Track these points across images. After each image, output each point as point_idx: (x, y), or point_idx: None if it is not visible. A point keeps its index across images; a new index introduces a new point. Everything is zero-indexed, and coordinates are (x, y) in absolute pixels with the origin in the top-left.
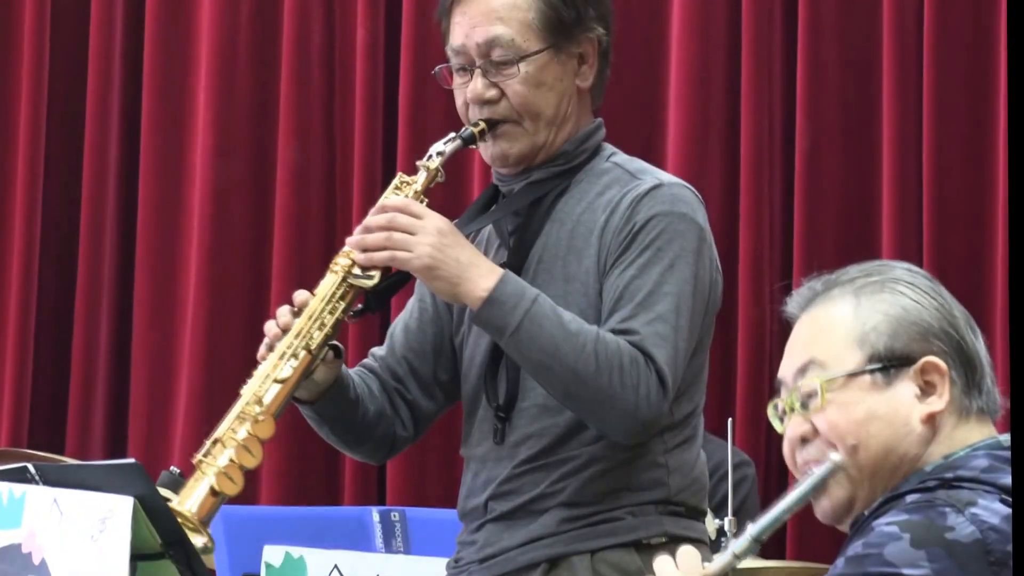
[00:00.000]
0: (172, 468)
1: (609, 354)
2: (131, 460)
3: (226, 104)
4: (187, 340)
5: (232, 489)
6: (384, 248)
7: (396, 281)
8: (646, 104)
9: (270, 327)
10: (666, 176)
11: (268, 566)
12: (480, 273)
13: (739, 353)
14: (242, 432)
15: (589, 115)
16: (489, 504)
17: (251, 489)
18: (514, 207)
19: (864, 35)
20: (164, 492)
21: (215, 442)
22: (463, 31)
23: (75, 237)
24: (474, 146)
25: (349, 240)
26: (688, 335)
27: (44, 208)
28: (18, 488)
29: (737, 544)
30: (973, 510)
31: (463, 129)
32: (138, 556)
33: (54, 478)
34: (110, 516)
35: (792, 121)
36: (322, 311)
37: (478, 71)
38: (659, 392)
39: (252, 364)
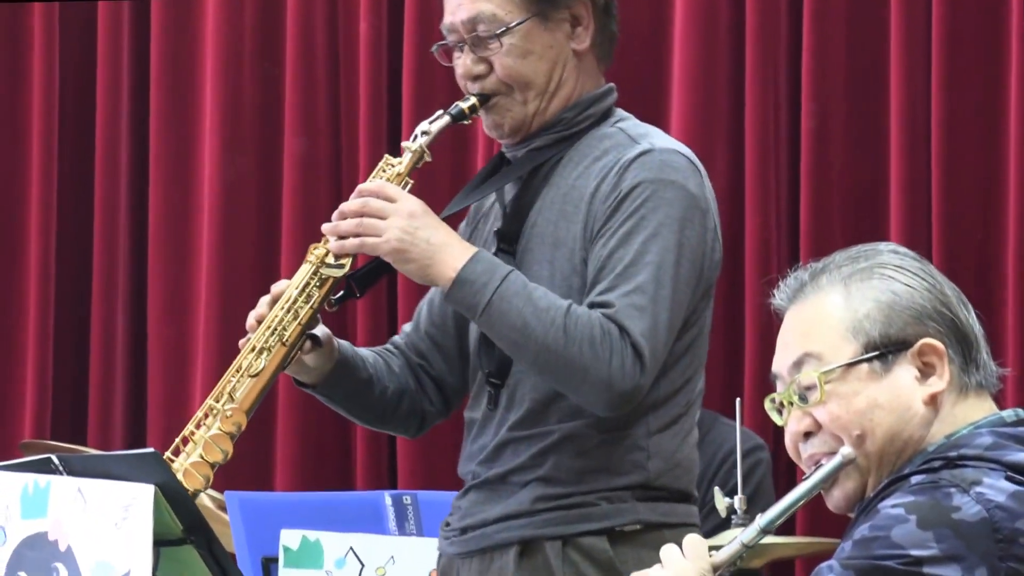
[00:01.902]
0: None
1: (580, 327)
2: (151, 450)
3: (233, 101)
4: (201, 332)
5: (201, 485)
6: (355, 235)
7: (376, 266)
8: (650, 88)
9: (250, 318)
10: (662, 141)
11: (286, 549)
12: (451, 254)
13: (747, 337)
14: (213, 429)
15: (595, 78)
16: (476, 469)
17: (267, 476)
18: (515, 175)
19: (871, 15)
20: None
21: (184, 440)
22: (451, 9)
23: (89, 234)
24: (465, 122)
25: (324, 227)
26: (672, 305)
27: (59, 207)
28: (43, 479)
29: (745, 534)
30: (978, 489)
31: (452, 106)
32: (160, 542)
33: (77, 468)
34: (132, 504)
35: (797, 103)
36: (295, 301)
37: (466, 47)
38: (634, 364)
39: None
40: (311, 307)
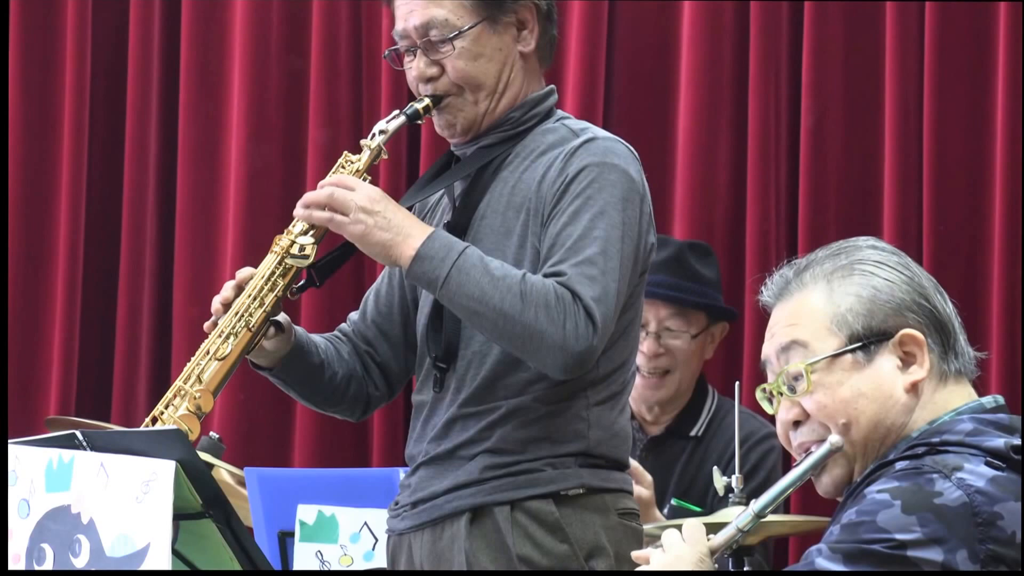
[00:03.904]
0: (211, 433)
1: (535, 293)
2: (173, 427)
3: (259, 92)
4: None
5: None
6: (324, 207)
7: (337, 256)
8: (658, 87)
9: (215, 303)
10: (603, 132)
11: (302, 524)
12: (411, 234)
13: (746, 327)
14: (181, 409)
15: (537, 79)
16: (427, 448)
17: (286, 452)
18: (463, 172)
19: (867, 21)
20: (204, 456)
21: (153, 419)
22: (403, 16)
23: (118, 217)
24: (419, 121)
25: (296, 212)
26: (619, 276)
27: (88, 190)
28: (67, 454)
29: (741, 518)
30: (959, 474)
31: (407, 106)
32: (180, 516)
33: (101, 444)
34: (153, 479)
35: (797, 102)
36: (261, 289)
37: (419, 51)
38: (587, 326)
39: None
40: (276, 295)
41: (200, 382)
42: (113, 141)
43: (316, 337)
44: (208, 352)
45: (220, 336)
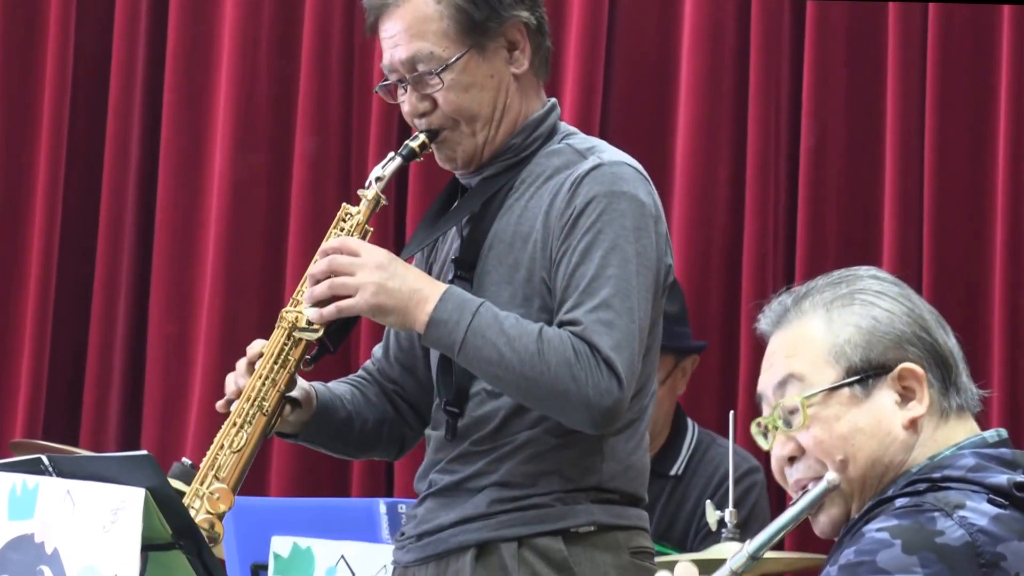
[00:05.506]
0: (184, 460)
1: (553, 351)
2: (143, 452)
3: (246, 98)
4: (203, 332)
5: None
6: (330, 298)
7: (347, 321)
8: (657, 103)
9: (229, 383)
10: (609, 155)
11: (276, 556)
12: (423, 297)
13: (742, 351)
14: (201, 514)
15: (537, 97)
16: (433, 478)
17: (260, 481)
18: (469, 208)
19: (869, 39)
20: (176, 484)
21: None
22: (388, 50)
23: (95, 228)
24: (417, 159)
25: (304, 298)
26: (638, 315)
27: (65, 200)
28: (31, 479)
29: (735, 560)
30: (961, 513)
31: (402, 146)
32: (149, 546)
33: (67, 469)
34: (122, 507)
35: (798, 120)
36: (272, 369)
37: (409, 86)
38: (610, 379)
39: None
40: (288, 371)
41: (218, 480)
42: (92, 148)
43: (339, 386)
44: (223, 446)
45: (234, 426)
